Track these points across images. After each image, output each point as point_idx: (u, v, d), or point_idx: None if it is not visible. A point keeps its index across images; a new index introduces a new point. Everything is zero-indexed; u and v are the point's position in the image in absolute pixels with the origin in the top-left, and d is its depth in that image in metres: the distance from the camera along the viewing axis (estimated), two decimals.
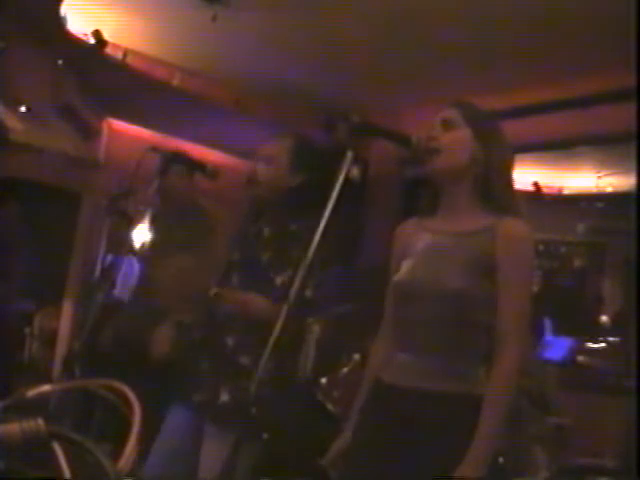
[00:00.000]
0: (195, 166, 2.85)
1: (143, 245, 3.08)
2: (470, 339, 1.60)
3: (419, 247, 1.72)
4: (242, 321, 2.11)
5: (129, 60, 4.50)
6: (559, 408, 3.08)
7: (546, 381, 3.27)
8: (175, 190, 3.06)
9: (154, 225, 3.12)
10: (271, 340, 1.47)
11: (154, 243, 3.11)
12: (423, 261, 1.68)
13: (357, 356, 3.41)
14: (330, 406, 3.27)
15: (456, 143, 1.68)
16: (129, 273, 4.41)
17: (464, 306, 1.58)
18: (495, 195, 1.66)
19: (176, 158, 2.76)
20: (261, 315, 2.01)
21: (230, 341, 2.13)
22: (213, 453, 1.93)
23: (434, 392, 1.58)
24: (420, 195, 1.80)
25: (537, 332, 4.53)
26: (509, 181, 1.71)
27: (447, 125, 1.69)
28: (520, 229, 1.63)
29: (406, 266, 1.71)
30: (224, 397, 2.07)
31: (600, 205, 6.31)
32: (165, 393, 2.30)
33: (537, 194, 6.14)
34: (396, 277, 1.72)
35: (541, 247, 6.69)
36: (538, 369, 3.42)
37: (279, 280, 2.09)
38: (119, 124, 5.29)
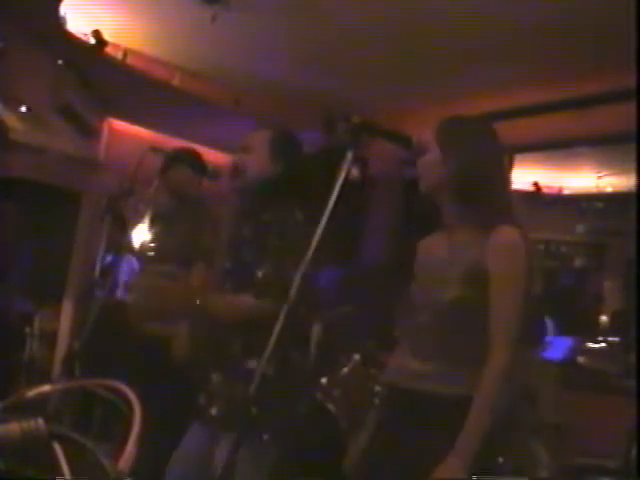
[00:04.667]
0: (196, 167, 2.85)
1: (143, 245, 3.08)
2: (468, 345, 1.65)
3: (427, 260, 1.82)
4: (244, 325, 2.07)
5: (129, 60, 4.50)
6: (558, 408, 3.08)
7: (546, 381, 3.27)
8: (182, 187, 3.06)
9: (154, 224, 3.12)
10: (272, 339, 1.48)
11: (155, 242, 3.11)
12: (426, 273, 1.78)
13: (357, 356, 3.42)
14: (330, 406, 3.27)
15: (425, 166, 1.74)
16: (129, 273, 4.42)
17: (461, 315, 1.64)
18: (480, 205, 1.67)
19: (178, 157, 2.76)
20: (249, 314, 1.99)
21: (237, 346, 2.09)
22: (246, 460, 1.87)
23: (434, 395, 1.64)
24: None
25: (539, 332, 4.52)
26: (492, 189, 1.70)
27: (422, 149, 1.75)
28: (510, 237, 1.64)
29: (417, 278, 1.82)
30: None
31: (600, 205, 6.31)
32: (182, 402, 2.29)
33: (537, 194, 6.15)
34: (410, 288, 1.83)
35: (541, 247, 6.69)
36: (538, 369, 3.43)
37: (260, 273, 2.03)
38: (119, 124, 5.28)
